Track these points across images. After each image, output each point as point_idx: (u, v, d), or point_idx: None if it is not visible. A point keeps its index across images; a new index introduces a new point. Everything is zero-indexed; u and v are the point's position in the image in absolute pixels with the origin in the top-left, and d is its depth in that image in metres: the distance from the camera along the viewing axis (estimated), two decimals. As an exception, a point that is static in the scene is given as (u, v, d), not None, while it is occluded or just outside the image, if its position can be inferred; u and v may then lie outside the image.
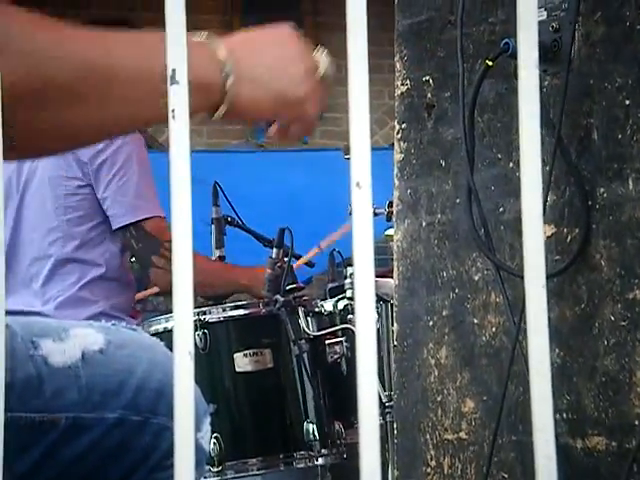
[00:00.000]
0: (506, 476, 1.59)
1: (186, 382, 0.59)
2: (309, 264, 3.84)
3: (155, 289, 2.61)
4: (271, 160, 5.31)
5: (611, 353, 1.45)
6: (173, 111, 0.62)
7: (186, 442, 0.58)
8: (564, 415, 1.51)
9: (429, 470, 1.71)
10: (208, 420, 1.14)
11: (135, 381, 1.08)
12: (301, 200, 5.06)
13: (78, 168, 2.35)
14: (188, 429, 0.58)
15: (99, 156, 2.35)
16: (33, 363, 1.03)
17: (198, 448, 1.10)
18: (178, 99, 0.62)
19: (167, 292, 2.50)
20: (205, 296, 2.61)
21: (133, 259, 2.51)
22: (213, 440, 2.41)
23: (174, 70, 0.62)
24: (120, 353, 1.09)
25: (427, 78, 1.75)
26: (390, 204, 2.35)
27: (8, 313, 0.52)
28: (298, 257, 3.33)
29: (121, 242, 2.39)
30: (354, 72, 0.60)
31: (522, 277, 0.58)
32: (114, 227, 2.36)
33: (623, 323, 1.44)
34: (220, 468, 2.43)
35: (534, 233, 0.62)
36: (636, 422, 1.41)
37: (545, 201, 1.51)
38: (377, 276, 2.61)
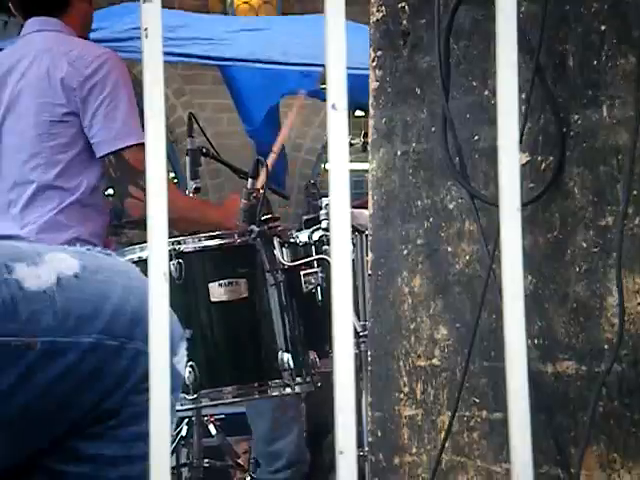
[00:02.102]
0: (477, 401, 1.62)
1: (161, 304, 0.59)
2: (284, 197, 3.84)
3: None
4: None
5: (582, 279, 1.47)
6: (146, 30, 0.60)
7: (161, 362, 0.58)
8: (535, 341, 1.53)
9: (402, 396, 1.74)
10: (184, 345, 1.15)
11: (111, 306, 1.08)
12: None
13: (64, 95, 2.32)
14: (163, 350, 0.58)
15: (88, 81, 2.32)
16: (7, 287, 1.02)
17: (174, 372, 1.11)
18: (151, 17, 0.60)
19: (141, 221, 2.48)
20: (176, 229, 2.60)
21: (110, 189, 2.49)
22: (188, 368, 2.43)
23: (147, -13, 0.61)
24: (95, 278, 1.09)
25: (402, 5, 1.73)
26: (365, 134, 2.34)
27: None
28: (272, 189, 3.32)
29: (101, 169, 2.37)
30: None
31: (496, 205, 0.58)
32: (98, 154, 2.34)
33: (595, 250, 1.45)
34: (195, 396, 2.45)
35: (509, 158, 0.62)
36: (606, 347, 1.43)
37: (522, 129, 1.51)
38: (353, 207, 2.61)
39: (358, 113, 9.01)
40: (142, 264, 2.41)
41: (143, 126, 0.58)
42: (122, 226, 2.90)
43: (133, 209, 2.37)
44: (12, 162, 2.37)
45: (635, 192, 1.39)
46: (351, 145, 2.60)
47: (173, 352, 1.09)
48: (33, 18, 2.47)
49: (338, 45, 0.60)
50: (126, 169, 2.32)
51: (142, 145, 2.33)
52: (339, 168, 0.60)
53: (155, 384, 0.58)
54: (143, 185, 2.32)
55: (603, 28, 1.43)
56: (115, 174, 2.34)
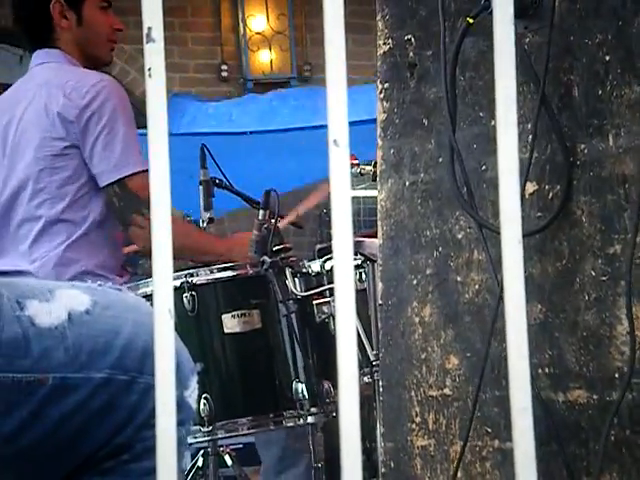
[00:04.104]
0: (489, 430, 1.62)
1: (166, 340, 0.59)
2: (297, 225, 3.84)
3: (134, 247, 2.59)
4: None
5: (592, 308, 1.47)
6: (149, 69, 0.62)
7: (168, 398, 0.58)
8: (546, 370, 1.53)
9: (414, 426, 1.73)
10: (195, 378, 1.15)
11: (121, 341, 1.09)
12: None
13: (63, 128, 2.33)
14: (170, 387, 0.58)
15: (85, 112, 2.33)
16: (19, 323, 1.04)
17: (186, 406, 1.11)
18: (154, 57, 0.62)
19: (146, 251, 2.44)
20: (181, 258, 2.60)
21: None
22: (203, 400, 2.43)
23: (150, 28, 0.62)
24: (106, 314, 1.10)
25: (409, 37, 1.75)
26: (375, 164, 2.35)
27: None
28: (284, 218, 3.33)
29: (105, 199, 2.37)
30: (330, 27, 0.61)
31: (503, 234, 0.59)
32: (101, 185, 2.35)
33: (604, 278, 1.45)
34: (210, 428, 2.45)
35: (510, 187, 0.62)
36: (616, 375, 1.43)
37: (530, 158, 1.52)
38: (365, 236, 2.62)
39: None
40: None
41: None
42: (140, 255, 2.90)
43: (137, 239, 2.37)
44: (19, 198, 2.39)
45: (642, 220, 1.39)
46: (361, 175, 2.61)
47: (184, 386, 1.10)
48: (37, 51, 2.48)
49: (338, 78, 0.61)
50: (130, 198, 2.33)
51: (145, 172, 2.34)
52: (341, 204, 0.61)
53: (161, 420, 0.58)
54: (147, 214, 2.31)
55: (608, 58, 1.44)
56: (119, 203, 2.34)
